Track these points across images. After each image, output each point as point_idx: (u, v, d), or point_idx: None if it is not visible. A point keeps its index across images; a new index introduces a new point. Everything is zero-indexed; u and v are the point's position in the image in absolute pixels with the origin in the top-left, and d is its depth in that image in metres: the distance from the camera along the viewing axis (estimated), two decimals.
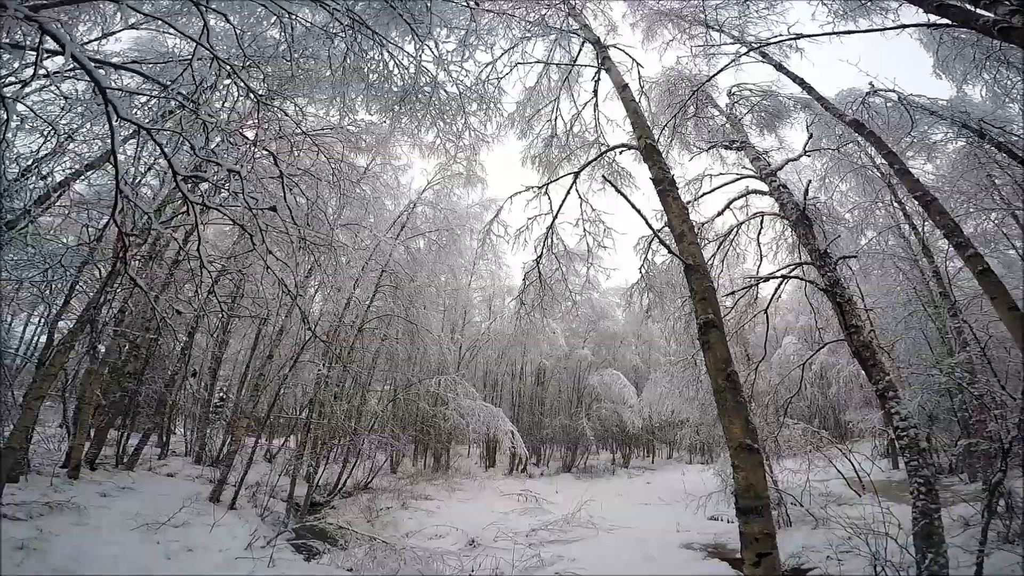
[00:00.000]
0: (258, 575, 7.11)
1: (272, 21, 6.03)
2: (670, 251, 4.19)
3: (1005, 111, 8.41)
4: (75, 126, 8.04)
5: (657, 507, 15.44)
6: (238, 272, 8.58)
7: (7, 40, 4.48)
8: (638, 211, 4.25)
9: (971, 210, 10.19)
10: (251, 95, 5.05)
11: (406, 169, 15.73)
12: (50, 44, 4.10)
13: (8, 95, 3.53)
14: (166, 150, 3.41)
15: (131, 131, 8.88)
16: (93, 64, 4.00)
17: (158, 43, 9.54)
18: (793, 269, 7.51)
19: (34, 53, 3.34)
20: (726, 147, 9.10)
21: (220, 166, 3.91)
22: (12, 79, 6.90)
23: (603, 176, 4.55)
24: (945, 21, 4.22)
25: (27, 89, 6.59)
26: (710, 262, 9.48)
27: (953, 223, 5.44)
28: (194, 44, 5.11)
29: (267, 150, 5.00)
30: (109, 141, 3.20)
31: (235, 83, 5.16)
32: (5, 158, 3.81)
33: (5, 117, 3.14)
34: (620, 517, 13.57)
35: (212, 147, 4.39)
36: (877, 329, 14.89)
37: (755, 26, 8.97)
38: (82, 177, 8.86)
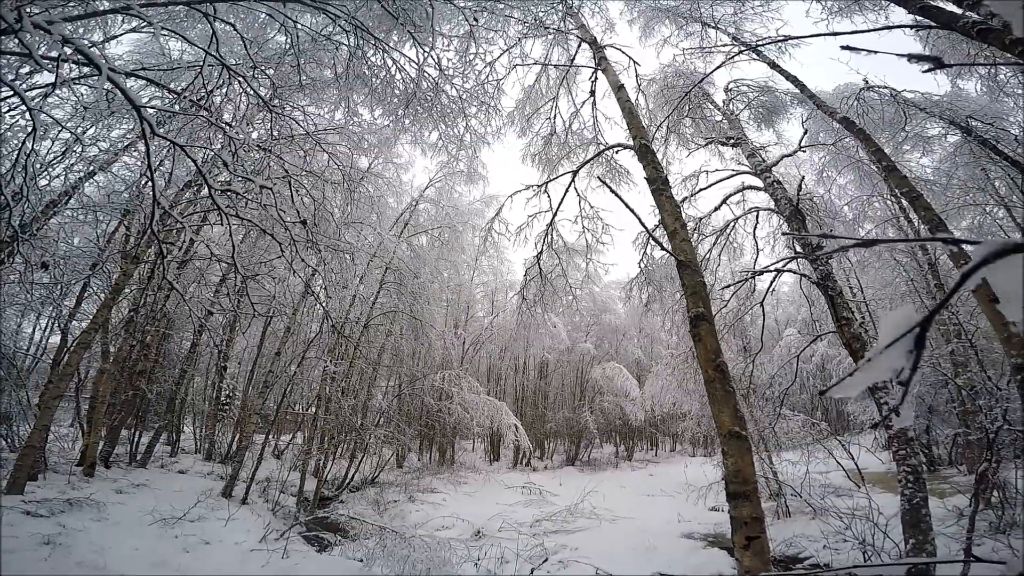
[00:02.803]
0: (270, 574, 7.33)
1: (277, 28, 6.22)
2: (663, 248, 4.36)
3: (1001, 105, 8.53)
4: (81, 131, 8.26)
5: (659, 498, 15.65)
6: (268, 276, 8.89)
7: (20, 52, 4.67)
8: (632, 211, 4.42)
9: (969, 203, 10.32)
10: (261, 102, 5.23)
11: (408, 167, 15.94)
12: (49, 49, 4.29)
13: (31, 104, 3.69)
14: (201, 167, 3.60)
15: (136, 133, 9.16)
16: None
17: (160, 46, 9.70)
18: (787, 263, 7.68)
19: (58, 64, 3.50)
20: (722, 143, 9.24)
21: (253, 182, 4.12)
22: (24, 86, 7.10)
23: (598, 177, 4.71)
24: (928, 22, 4.37)
25: (32, 93, 6.81)
26: (708, 256, 9.66)
27: (938, 218, 5.59)
28: (196, 45, 5.31)
29: (280, 158, 5.19)
30: (144, 158, 3.37)
31: (244, 91, 5.35)
32: (31, 165, 4.00)
33: (33, 126, 3.31)
34: (622, 508, 13.79)
35: (219, 152, 4.59)
36: (876, 321, 15.07)
37: (751, 22, 9.10)
38: (90, 180, 9.09)
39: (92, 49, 3.18)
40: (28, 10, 2.54)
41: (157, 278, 7.95)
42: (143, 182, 9.13)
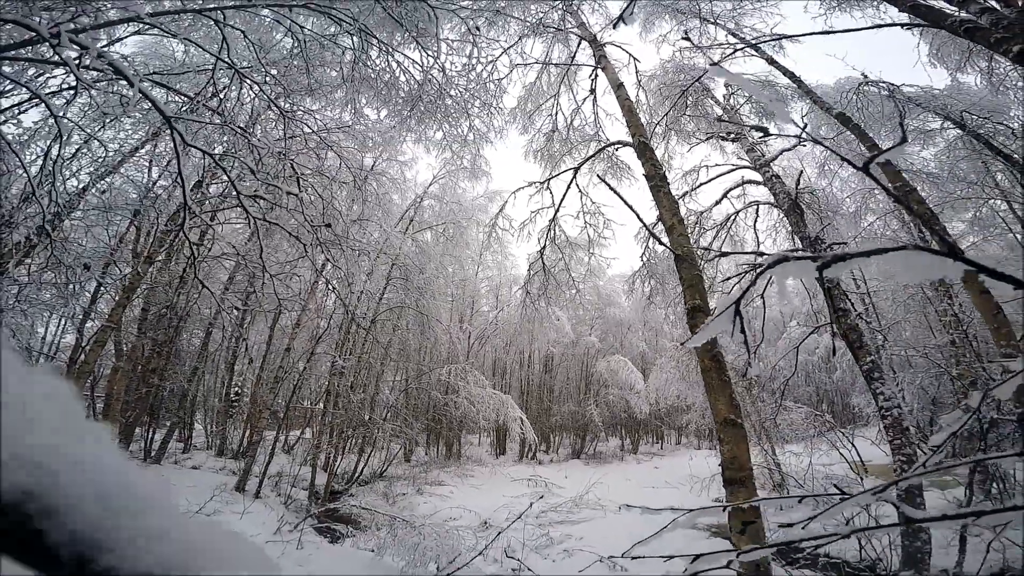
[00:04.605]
0: (290, 571, 7.53)
1: (283, 32, 6.37)
2: (660, 243, 4.51)
3: (1004, 98, 8.56)
4: (97, 132, 8.44)
5: (664, 490, 15.81)
6: (293, 273, 9.16)
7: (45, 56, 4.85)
8: (631, 208, 4.56)
9: (969, 196, 10.37)
10: (274, 106, 5.38)
11: (412, 164, 16.04)
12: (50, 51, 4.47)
13: (56, 111, 3.86)
14: (230, 174, 3.77)
15: (146, 134, 9.35)
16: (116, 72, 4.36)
17: (163, 47, 9.86)
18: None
19: (78, 71, 3.66)
20: (723, 138, 9.35)
21: (279, 188, 4.30)
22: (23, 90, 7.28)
23: (598, 176, 4.86)
24: (919, 20, 4.47)
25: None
26: (709, 249, 9.79)
27: (930, 211, 5.71)
28: (207, 51, 5.48)
29: (291, 160, 5.35)
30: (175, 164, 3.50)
31: (257, 96, 5.50)
32: (59, 169, 4.17)
33: (58, 131, 3.48)
34: (627, 499, 13.94)
35: (243, 158, 4.76)
36: (879, 313, 15.13)
37: (750, 17, 9.16)
38: (102, 180, 9.28)
39: (122, 61, 3.33)
40: (65, 26, 2.70)
41: (189, 277, 8.28)
42: (169, 185, 9.36)
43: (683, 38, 7.38)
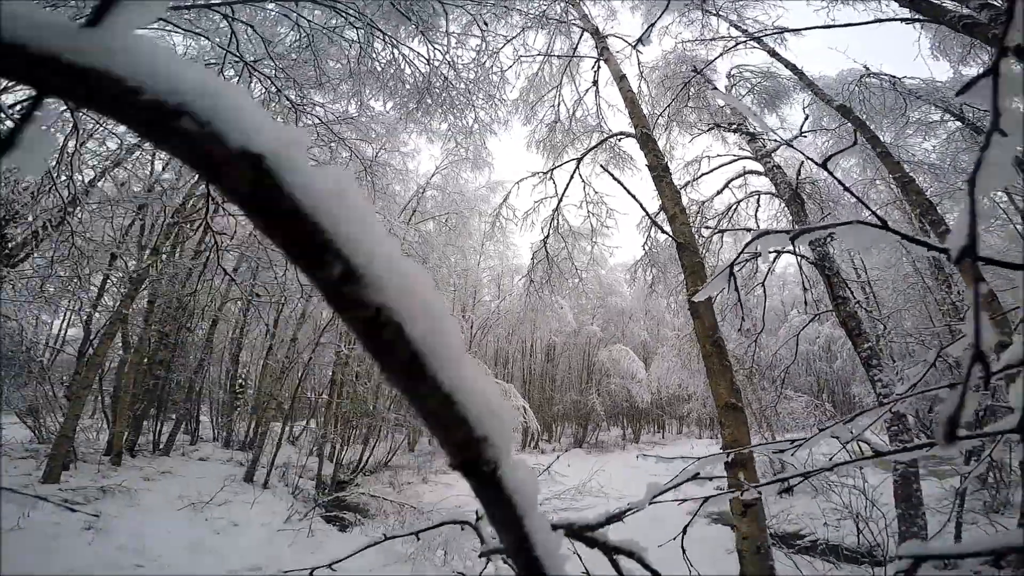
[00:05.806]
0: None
1: (290, 26, 6.42)
2: (663, 231, 4.60)
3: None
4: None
5: (665, 477, 15.85)
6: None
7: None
8: (634, 197, 4.64)
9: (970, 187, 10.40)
10: (284, 99, 5.45)
11: (414, 155, 16.07)
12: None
13: (71, 104, 3.94)
14: None
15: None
16: None
17: (163, 40, 9.86)
18: (786, 245, 7.88)
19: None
20: (724, 128, 9.40)
21: None
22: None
23: (601, 166, 4.95)
24: (919, 15, 4.53)
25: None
26: (711, 238, 9.87)
27: (928, 202, 5.79)
28: (219, 45, 5.55)
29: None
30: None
31: (267, 89, 5.57)
32: (76, 163, 4.26)
33: (74, 124, 3.57)
34: (629, 486, 14.13)
35: None
36: (879, 301, 15.23)
37: (752, 10, 9.17)
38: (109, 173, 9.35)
39: None
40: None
41: (208, 265, 8.48)
42: (172, 178, 9.45)
43: (692, 70, 7.51)
